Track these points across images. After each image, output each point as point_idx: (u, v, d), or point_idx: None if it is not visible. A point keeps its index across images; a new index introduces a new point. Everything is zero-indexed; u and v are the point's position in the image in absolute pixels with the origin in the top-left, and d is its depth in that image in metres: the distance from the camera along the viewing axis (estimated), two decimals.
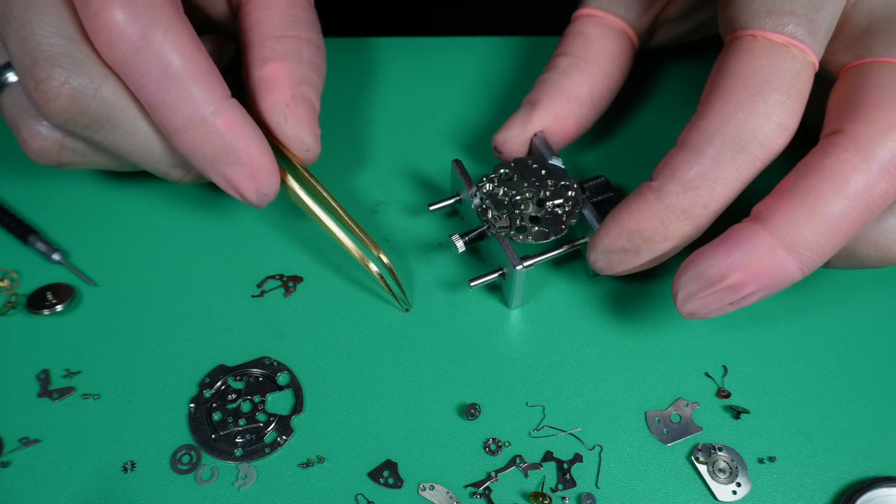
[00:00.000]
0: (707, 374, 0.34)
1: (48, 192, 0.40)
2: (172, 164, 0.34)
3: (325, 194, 0.35)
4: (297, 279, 0.37)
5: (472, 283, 0.34)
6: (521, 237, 0.34)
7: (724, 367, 0.34)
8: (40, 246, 0.37)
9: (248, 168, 0.31)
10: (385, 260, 0.35)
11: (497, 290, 0.37)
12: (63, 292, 0.36)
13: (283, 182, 0.34)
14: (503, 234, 0.34)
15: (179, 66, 0.29)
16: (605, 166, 0.41)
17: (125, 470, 0.31)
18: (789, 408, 0.33)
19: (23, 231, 0.37)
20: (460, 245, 0.35)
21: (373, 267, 0.34)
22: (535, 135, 0.37)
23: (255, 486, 0.31)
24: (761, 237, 0.28)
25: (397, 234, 0.38)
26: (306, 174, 0.35)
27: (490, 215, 0.34)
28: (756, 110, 0.29)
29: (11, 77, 0.33)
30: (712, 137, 0.29)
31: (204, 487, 0.31)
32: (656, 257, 0.31)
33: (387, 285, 0.35)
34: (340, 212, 0.35)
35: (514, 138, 0.37)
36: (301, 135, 0.34)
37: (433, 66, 0.46)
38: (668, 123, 0.43)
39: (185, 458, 0.32)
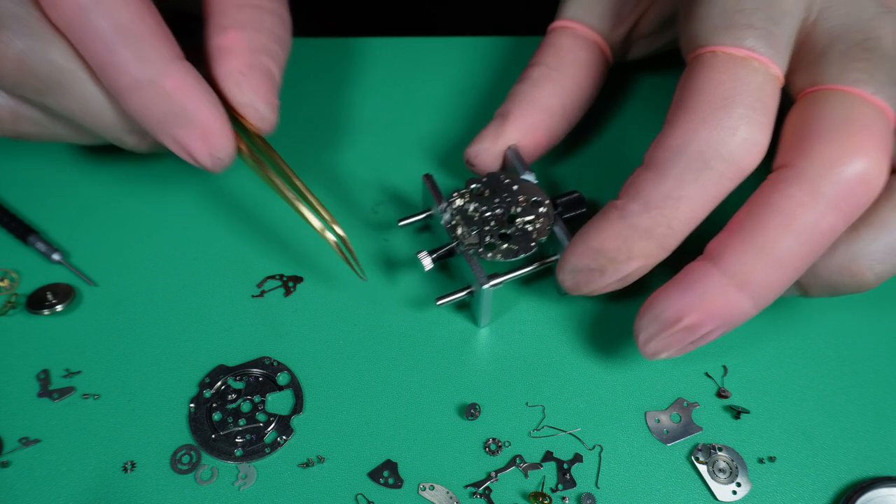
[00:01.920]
0: (707, 374, 0.34)
1: (48, 191, 0.40)
2: (126, 129, 0.33)
3: (282, 166, 0.34)
4: (297, 279, 0.37)
5: (438, 302, 0.33)
6: (489, 255, 0.33)
7: (724, 367, 0.34)
8: (40, 246, 0.37)
9: (199, 130, 0.31)
10: (340, 232, 0.34)
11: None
12: (63, 292, 0.36)
13: (240, 150, 0.33)
14: (471, 251, 0.33)
15: (127, 25, 0.29)
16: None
17: (125, 470, 0.31)
18: (789, 408, 0.33)
19: (23, 231, 0.37)
20: (427, 263, 0.34)
21: (330, 236, 0.33)
22: (508, 148, 0.36)
23: (255, 486, 0.31)
24: (713, 276, 0.29)
25: (391, 233, 0.38)
26: (263, 144, 0.34)
27: (459, 232, 0.33)
28: (720, 125, 0.28)
29: None
30: (675, 156, 0.29)
31: (204, 487, 0.31)
32: (623, 277, 0.31)
33: (344, 255, 0.34)
34: (298, 184, 0.34)
35: (486, 151, 0.37)
36: (253, 102, 0.33)
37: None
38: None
39: (185, 458, 0.32)
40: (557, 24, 0.39)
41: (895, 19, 0.30)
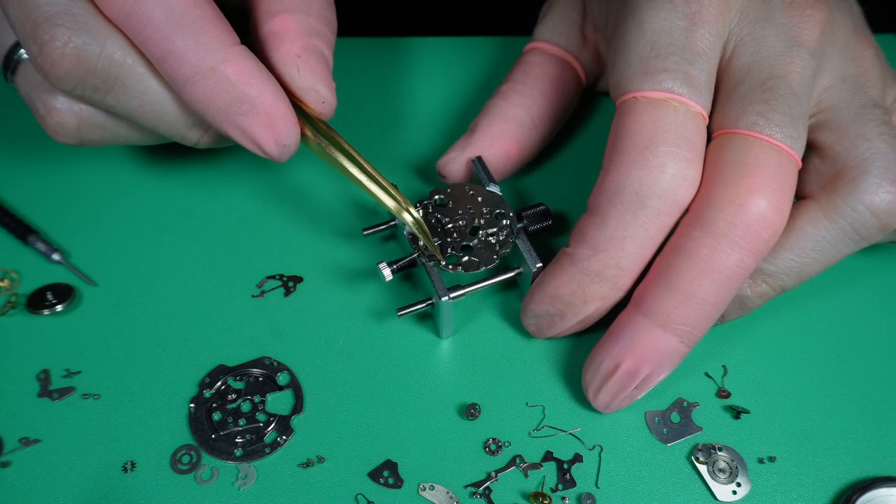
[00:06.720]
0: (707, 374, 0.34)
1: (48, 192, 0.40)
2: (188, 123, 0.32)
3: (348, 148, 0.33)
4: (297, 279, 0.37)
5: (399, 313, 0.33)
6: (450, 267, 0.33)
7: (724, 367, 0.34)
8: (40, 246, 0.37)
9: (264, 117, 0.30)
10: (416, 213, 0.33)
11: (493, 298, 0.37)
12: (63, 292, 0.36)
13: (304, 136, 0.32)
14: (432, 263, 0.33)
15: (183, 12, 0.28)
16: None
17: (125, 470, 0.31)
18: (789, 408, 0.33)
19: (23, 231, 0.37)
20: (387, 273, 0.33)
21: (407, 217, 0.33)
22: (474, 161, 0.36)
23: (255, 486, 0.31)
24: (637, 321, 0.30)
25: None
26: (326, 128, 0.33)
27: (420, 243, 0.33)
28: (648, 164, 0.30)
29: (25, 54, 0.32)
30: (613, 198, 0.30)
31: (204, 487, 0.31)
32: (583, 319, 0.33)
33: (422, 236, 0.33)
34: (367, 166, 0.33)
35: (455, 161, 0.37)
36: (315, 86, 0.32)
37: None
38: None
39: (185, 458, 0.32)
40: (529, 46, 0.40)
41: (804, 54, 0.31)
